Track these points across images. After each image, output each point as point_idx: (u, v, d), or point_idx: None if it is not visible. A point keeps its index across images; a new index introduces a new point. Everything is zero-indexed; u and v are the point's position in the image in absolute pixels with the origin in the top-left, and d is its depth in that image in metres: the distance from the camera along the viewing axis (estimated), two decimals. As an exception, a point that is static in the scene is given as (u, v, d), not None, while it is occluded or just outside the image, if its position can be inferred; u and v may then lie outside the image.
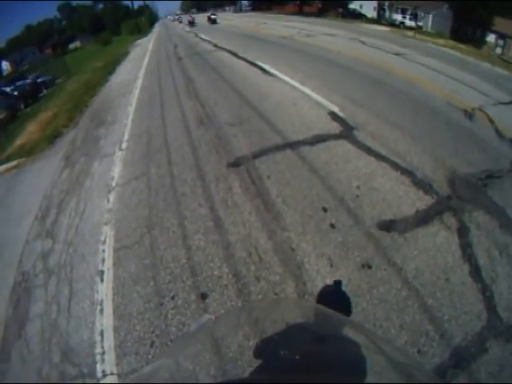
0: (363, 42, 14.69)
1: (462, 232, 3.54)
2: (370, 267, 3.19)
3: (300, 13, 39.54)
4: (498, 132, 5.92)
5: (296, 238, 3.64)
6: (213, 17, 36.51)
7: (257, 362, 0.72)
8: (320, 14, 36.96)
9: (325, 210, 3.95)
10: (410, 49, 13.76)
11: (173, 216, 4.42)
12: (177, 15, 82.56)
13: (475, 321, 2.70)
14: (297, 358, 0.67)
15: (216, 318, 1.35)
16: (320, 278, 3.14)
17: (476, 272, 3.10)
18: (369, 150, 4.96)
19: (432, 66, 10.74)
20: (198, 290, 3.31)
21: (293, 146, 5.31)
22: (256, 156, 5.22)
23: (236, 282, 3.29)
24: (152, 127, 7.70)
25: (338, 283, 2.63)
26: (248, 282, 3.26)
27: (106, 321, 3.32)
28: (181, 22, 50.77)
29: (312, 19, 29.92)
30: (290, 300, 2.55)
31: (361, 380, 0.65)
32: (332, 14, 35.35)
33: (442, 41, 20.12)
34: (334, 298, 1.73)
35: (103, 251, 4.24)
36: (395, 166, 4.57)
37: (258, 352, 0.76)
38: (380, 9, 34.24)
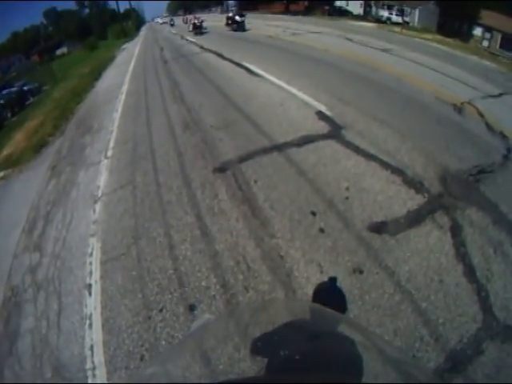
0: (350, 39, 14.64)
1: (455, 231, 3.48)
2: (361, 272, 3.12)
3: (287, 12, 39.49)
4: (488, 125, 5.90)
5: (284, 244, 3.57)
6: (239, 19, 21.52)
7: (249, 366, 0.73)
8: (307, 12, 36.88)
9: (313, 214, 3.87)
10: (397, 44, 13.72)
11: (159, 225, 4.33)
12: (165, 17, 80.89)
13: (471, 323, 2.64)
14: (292, 356, 0.66)
15: (207, 324, 1.37)
16: (310, 285, 3.05)
17: (470, 272, 3.04)
18: (357, 150, 4.90)
19: (419, 61, 10.72)
20: (186, 301, 3.24)
21: (280, 148, 5.24)
22: (242, 160, 5.14)
23: (224, 293, 3.21)
24: (137, 133, 7.62)
25: (332, 280, 2.57)
26: (236, 292, 3.19)
27: (95, 335, 3.26)
28: (172, 24, 44.72)
29: (299, 18, 30.02)
30: (280, 301, 2.50)
31: (357, 378, 0.63)
32: (319, 11, 35.33)
33: (428, 35, 20.18)
34: (329, 294, 1.70)
35: (90, 264, 4.16)
36: (385, 165, 4.50)
37: (254, 350, 0.75)
38: (366, 5, 34.34)
